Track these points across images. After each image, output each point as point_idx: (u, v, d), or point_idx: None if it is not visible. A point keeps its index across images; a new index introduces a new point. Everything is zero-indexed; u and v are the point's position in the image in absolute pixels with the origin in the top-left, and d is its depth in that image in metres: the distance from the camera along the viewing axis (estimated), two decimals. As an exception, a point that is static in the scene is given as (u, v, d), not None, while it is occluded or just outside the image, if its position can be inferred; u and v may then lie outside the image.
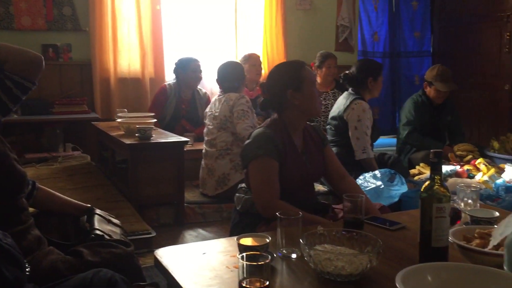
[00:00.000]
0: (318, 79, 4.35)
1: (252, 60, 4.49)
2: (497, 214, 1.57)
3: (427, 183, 1.31)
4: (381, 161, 3.57)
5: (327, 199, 2.81)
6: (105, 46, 4.43)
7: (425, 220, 1.30)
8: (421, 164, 3.77)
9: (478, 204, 1.79)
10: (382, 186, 2.80)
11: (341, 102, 3.49)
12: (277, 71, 2.04)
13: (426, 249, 1.31)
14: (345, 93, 3.51)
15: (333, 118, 3.50)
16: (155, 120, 3.64)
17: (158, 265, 1.40)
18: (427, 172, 3.54)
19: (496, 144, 4.19)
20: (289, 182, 1.92)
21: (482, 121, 5.87)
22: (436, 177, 1.30)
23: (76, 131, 4.32)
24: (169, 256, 1.42)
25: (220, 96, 3.57)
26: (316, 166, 2.03)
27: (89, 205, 1.79)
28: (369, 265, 1.22)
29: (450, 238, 1.32)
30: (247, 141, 1.97)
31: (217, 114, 3.51)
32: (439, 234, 1.28)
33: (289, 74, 1.97)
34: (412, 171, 3.70)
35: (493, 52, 5.64)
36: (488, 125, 5.85)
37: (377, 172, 2.97)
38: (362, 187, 2.89)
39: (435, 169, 1.30)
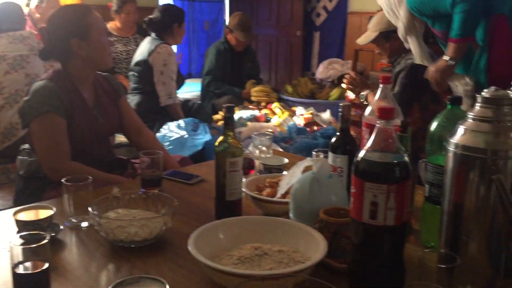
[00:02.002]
0: (118, 24, 4.06)
1: None
2: (286, 160, 1.66)
3: (220, 138, 1.31)
4: (185, 108, 3.56)
5: (131, 151, 2.69)
6: None
7: (219, 174, 1.30)
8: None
9: (271, 151, 1.88)
10: (186, 135, 2.79)
11: (145, 47, 3.33)
12: (59, 16, 1.78)
13: (221, 203, 1.32)
14: (149, 38, 3.36)
15: (137, 63, 3.32)
16: None
17: None
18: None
19: (289, 88, 4.54)
20: (80, 140, 1.75)
21: (279, 66, 6.29)
22: (228, 132, 1.29)
23: None
24: None
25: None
26: (110, 120, 1.88)
27: None
28: (164, 227, 1.18)
29: (243, 189, 1.35)
30: (26, 97, 1.71)
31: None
32: (232, 188, 1.29)
33: (73, 20, 1.74)
34: (215, 116, 3.78)
35: (286, 0, 6.00)
36: (284, 70, 6.29)
37: (181, 121, 2.94)
38: (166, 137, 2.84)
39: (228, 124, 1.30)
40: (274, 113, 3.73)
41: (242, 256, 1.00)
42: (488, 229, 0.92)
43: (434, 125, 1.16)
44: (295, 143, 3.03)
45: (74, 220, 1.28)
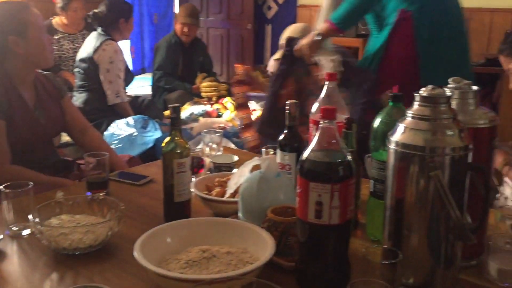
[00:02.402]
0: (64, 20, 3.91)
1: None
2: (236, 158, 1.66)
3: (167, 138, 1.28)
4: (134, 105, 3.49)
5: (78, 150, 2.61)
6: None
7: (167, 175, 1.28)
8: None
9: (222, 148, 1.87)
10: (136, 133, 2.73)
11: (90, 43, 3.22)
12: None
13: (169, 205, 1.30)
14: (94, 34, 3.25)
15: (82, 60, 3.22)
16: None
17: None
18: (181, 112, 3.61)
19: (241, 82, 4.51)
20: (20, 142, 1.68)
21: (231, 59, 6.26)
22: (175, 133, 1.27)
23: None
24: None
25: None
26: (53, 121, 1.81)
27: None
28: (110, 233, 1.15)
29: (192, 189, 1.34)
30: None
31: None
32: (181, 189, 1.28)
33: (10, 17, 1.66)
34: (167, 112, 3.72)
35: (237, -7, 5.97)
36: (236, 62, 6.26)
37: (130, 119, 2.88)
38: (114, 135, 2.77)
39: (174, 124, 1.28)
40: (226, 108, 3.71)
41: (190, 260, 0.99)
42: (428, 223, 0.95)
43: (377, 122, 1.18)
44: (247, 138, 3.02)
45: (14, 228, 1.23)
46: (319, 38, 2.25)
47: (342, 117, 1.40)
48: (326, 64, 2.28)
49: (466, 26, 2.32)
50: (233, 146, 2.83)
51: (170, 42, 4.11)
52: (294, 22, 5.68)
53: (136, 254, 0.97)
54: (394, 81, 1.93)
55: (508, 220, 1.09)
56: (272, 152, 1.66)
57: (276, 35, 5.96)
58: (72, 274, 1.06)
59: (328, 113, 0.91)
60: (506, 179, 1.64)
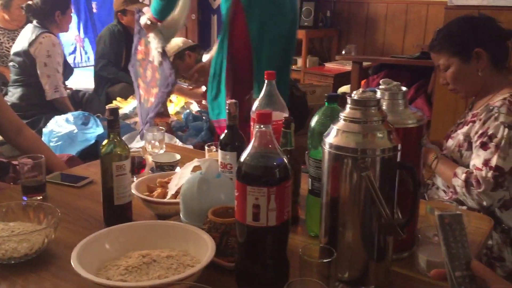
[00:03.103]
0: (6, 16, 3.71)
1: None
2: (178, 157, 1.65)
3: (105, 141, 1.26)
4: (75, 100, 3.38)
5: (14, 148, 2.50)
6: None
7: (106, 178, 1.26)
8: (118, 99, 3.74)
9: (164, 145, 1.86)
10: (76, 130, 2.65)
11: (25, 35, 3.09)
12: None
13: (109, 208, 1.28)
14: (30, 26, 3.12)
15: (17, 54, 3.08)
16: None
17: None
18: (124, 106, 3.53)
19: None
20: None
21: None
22: (114, 135, 1.25)
23: None
24: None
25: None
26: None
27: None
28: (46, 241, 1.12)
29: (133, 191, 1.33)
30: None
31: None
32: (120, 192, 1.26)
33: None
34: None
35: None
36: (181, 54, 6.17)
37: (69, 115, 2.79)
38: (53, 132, 2.68)
39: (112, 127, 1.25)
40: (170, 101, 3.67)
41: (129, 266, 0.99)
42: (361, 220, 0.99)
43: (313, 121, 1.22)
44: (189, 130, 3.02)
45: None
46: (148, 22, 2.58)
47: (282, 115, 1.43)
48: (152, 46, 2.67)
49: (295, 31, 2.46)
50: (177, 141, 2.81)
51: (114, 31, 3.99)
52: (239, 12, 5.68)
53: (73, 262, 0.96)
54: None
55: (436, 212, 1.15)
56: (214, 150, 1.67)
57: (220, 25, 5.94)
58: (7, 285, 1.03)
59: (263, 118, 0.93)
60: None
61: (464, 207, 1.59)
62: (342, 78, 4.21)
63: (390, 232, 0.99)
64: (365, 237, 1.01)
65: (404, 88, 1.12)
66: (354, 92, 0.99)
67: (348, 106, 0.99)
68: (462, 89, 1.71)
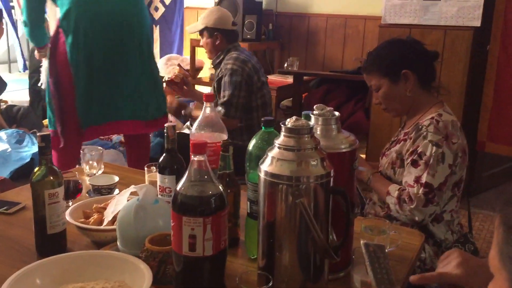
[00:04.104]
0: None
1: None
2: (116, 179, 1.62)
3: (37, 169, 1.22)
4: (9, 115, 3.24)
5: None
6: None
7: (38, 206, 1.22)
8: (56, 113, 3.61)
9: (103, 166, 1.82)
10: (10, 149, 2.54)
11: None
12: None
13: (42, 238, 1.23)
14: None
15: None
16: None
17: None
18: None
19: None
20: None
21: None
22: (45, 162, 1.21)
23: None
24: None
25: None
26: None
27: None
28: (-28, 276, 1.06)
29: (68, 218, 1.28)
30: None
31: None
32: (54, 220, 1.22)
33: None
34: (46, 121, 3.50)
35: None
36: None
37: (2, 133, 2.66)
38: (-15, 151, 2.56)
39: (43, 154, 1.21)
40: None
41: (62, 301, 0.96)
42: (297, 244, 1.02)
43: (251, 145, 1.23)
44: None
45: None
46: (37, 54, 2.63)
47: (221, 136, 1.44)
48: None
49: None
50: (122, 157, 2.75)
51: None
52: (182, 23, 5.65)
53: (0, 301, 0.92)
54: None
55: (362, 240, 1.19)
56: (154, 170, 1.65)
57: (164, 36, 5.88)
58: None
59: (198, 148, 0.93)
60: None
61: (398, 223, 1.66)
62: (285, 90, 4.27)
63: (324, 256, 1.01)
64: (301, 260, 1.03)
65: (336, 113, 1.16)
66: (288, 120, 1.01)
67: (282, 134, 1.01)
68: (393, 108, 1.79)
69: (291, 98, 4.04)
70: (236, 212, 1.31)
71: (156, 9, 5.86)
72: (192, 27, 2.87)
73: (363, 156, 3.19)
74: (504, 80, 3.13)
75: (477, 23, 2.93)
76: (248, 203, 1.24)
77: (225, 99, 2.65)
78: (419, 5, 3.04)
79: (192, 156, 0.94)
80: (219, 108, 2.68)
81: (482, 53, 3.14)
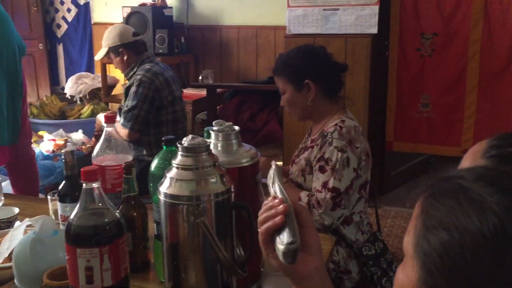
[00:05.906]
0: None
1: None
2: (16, 211, 1.52)
3: None
4: None
5: None
6: None
7: None
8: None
9: (2, 197, 1.70)
10: None
11: None
12: None
13: None
14: None
15: None
16: None
17: None
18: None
19: (34, 109, 4.15)
20: None
21: (26, 83, 5.71)
22: None
23: None
24: None
25: None
26: None
27: None
28: None
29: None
30: None
31: None
32: None
33: None
34: None
35: (21, 11, 5.50)
36: (31, 88, 5.75)
37: None
38: None
39: None
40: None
41: None
42: (202, 263, 1.01)
43: (153, 166, 1.20)
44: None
45: None
46: None
47: (126, 157, 1.40)
48: None
49: None
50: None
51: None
52: (90, 40, 5.46)
53: None
54: None
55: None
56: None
57: (68, 54, 5.66)
58: None
59: (88, 176, 0.89)
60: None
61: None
62: (200, 103, 4.26)
63: (230, 273, 1.01)
64: (208, 279, 1.02)
65: (236, 128, 1.17)
66: (184, 139, 1.00)
67: (179, 153, 0.99)
68: (295, 113, 1.85)
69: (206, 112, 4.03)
70: (145, 235, 1.27)
71: (59, 26, 5.64)
72: (98, 55, 2.80)
73: (280, 163, 3.25)
74: (404, 82, 3.34)
75: (374, 30, 3.09)
76: (155, 225, 1.21)
77: (127, 109, 2.58)
78: (320, 15, 3.16)
79: (84, 184, 0.90)
80: (119, 117, 2.64)
81: (382, 58, 3.32)
